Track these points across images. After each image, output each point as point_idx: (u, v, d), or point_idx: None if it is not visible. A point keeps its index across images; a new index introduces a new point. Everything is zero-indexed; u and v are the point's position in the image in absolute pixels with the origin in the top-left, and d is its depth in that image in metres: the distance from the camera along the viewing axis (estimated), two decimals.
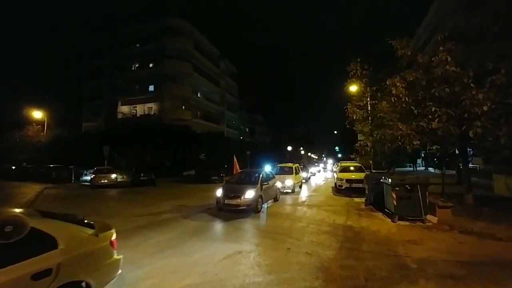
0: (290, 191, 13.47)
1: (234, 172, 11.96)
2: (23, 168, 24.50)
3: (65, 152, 26.17)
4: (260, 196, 8.79)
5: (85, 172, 21.78)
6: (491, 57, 6.83)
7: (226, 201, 8.48)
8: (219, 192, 8.84)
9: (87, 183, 18.12)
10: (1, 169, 23.52)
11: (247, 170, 13.01)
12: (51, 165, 22.29)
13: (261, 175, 9.60)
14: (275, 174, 13.79)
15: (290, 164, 15.81)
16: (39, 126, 28.00)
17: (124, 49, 34.08)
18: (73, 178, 21.61)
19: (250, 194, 8.39)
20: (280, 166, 15.96)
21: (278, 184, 11.49)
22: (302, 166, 21.36)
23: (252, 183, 9.31)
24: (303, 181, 19.32)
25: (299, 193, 13.92)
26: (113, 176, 17.53)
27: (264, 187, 9.27)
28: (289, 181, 13.36)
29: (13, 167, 24.77)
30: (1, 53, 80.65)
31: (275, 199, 10.84)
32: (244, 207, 8.26)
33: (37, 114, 26.74)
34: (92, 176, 17.16)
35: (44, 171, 21.38)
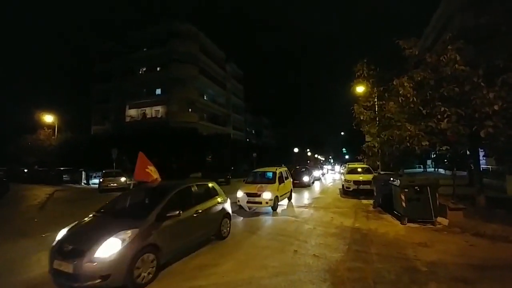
0: (269, 208, 9.25)
1: (135, 181, 6.39)
2: (35, 170, 25.12)
3: (75, 155, 26.67)
4: (145, 250, 3.94)
5: (94, 174, 22.14)
6: (501, 55, 6.69)
7: (55, 264, 3.64)
8: (58, 237, 4.06)
9: (96, 185, 18.39)
10: (14, 172, 24.15)
11: (158, 183, 6.03)
12: (62, 168, 22.80)
13: (167, 197, 4.69)
14: (250, 182, 10.29)
15: (272, 168, 10.94)
16: (50, 130, 28.70)
17: (132, 53, 34.66)
18: (84, 181, 22.10)
19: (105, 250, 3.61)
20: (257, 172, 11.33)
21: (226, 207, 6.33)
22: (303, 169, 19.57)
23: (138, 214, 4.44)
24: (308, 185, 17.95)
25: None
26: (122, 179, 17.48)
27: (166, 223, 4.35)
28: (267, 194, 8.98)
29: (25, 170, 25.41)
30: (12, 59, 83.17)
31: (220, 235, 5.91)
32: (88, 284, 3.45)
33: (48, 118, 27.48)
34: (100, 180, 17.22)
35: (54, 174, 21.87)
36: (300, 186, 17.35)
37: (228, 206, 6.47)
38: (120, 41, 35.66)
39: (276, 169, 10.60)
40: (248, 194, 9.20)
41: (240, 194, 9.39)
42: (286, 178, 11.19)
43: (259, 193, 9.12)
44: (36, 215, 9.34)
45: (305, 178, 18.17)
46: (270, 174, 10.59)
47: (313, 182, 20.64)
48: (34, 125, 28.75)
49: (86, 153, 26.38)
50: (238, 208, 9.35)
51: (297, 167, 21.88)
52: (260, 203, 9.05)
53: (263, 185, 9.62)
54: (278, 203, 9.67)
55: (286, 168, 12.02)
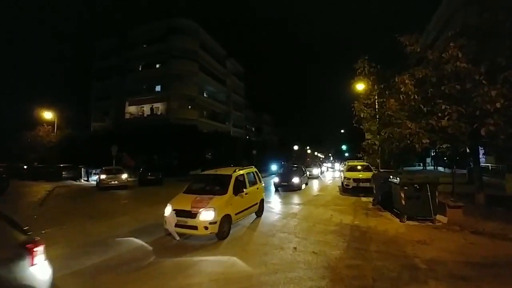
0: (211, 235, 5.62)
1: None
2: (35, 167, 25.08)
3: (75, 151, 26.72)
4: None
5: (94, 171, 22.15)
6: (503, 53, 6.64)
7: None
8: None
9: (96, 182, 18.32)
10: (14, 169, 24.10)
11: None
12: (61, 165, 22.81)
13: None
14: (190, 191, 6.66)
15: (227, 170, 7.27)
16: (50, 126, 28.67)
17: (132, 50, 34.50)
18: (85, 178, 22.17)
19: None
20: (205, 175, 7.74)
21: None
22: (294, 168, 17.05)
23: None
24: (298, 188, 14.31)
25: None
26: (123, 176, 16.75)
27: None
28: (207, 214, 5.50)
29: (25, 167, 25.39)
30: (11, 55, 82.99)
31: None
32: None
33: (48, 115, 27.48)
34: (102, 176, 16.48)
35: (54, 171, 21.85)
36: (288, 189, 14.24)
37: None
38: (120, 37, 35.50)
39: (234, 171, 6.94)
40: (179, 213, 5.66)
41: (167, 211, 5.79)
42: (254, 183, 7.79)
43: (194, 211, 5.57)
44: (35, 212, 9.35)
45: (295, 180, 14.43)
46: (221, 179, 6.82)
47: (306, 184, 17.02)
48: (34, 122, 28.76)
49: (86, 150, 26.43)
50: (163, 235, 5.99)
51: (293, 165, 19.27)
52: (196, 227, 5.46)
53: (205, 196, 6.06)
54: (234, 223, 6.25)
55: (255, 169, 8.26)
